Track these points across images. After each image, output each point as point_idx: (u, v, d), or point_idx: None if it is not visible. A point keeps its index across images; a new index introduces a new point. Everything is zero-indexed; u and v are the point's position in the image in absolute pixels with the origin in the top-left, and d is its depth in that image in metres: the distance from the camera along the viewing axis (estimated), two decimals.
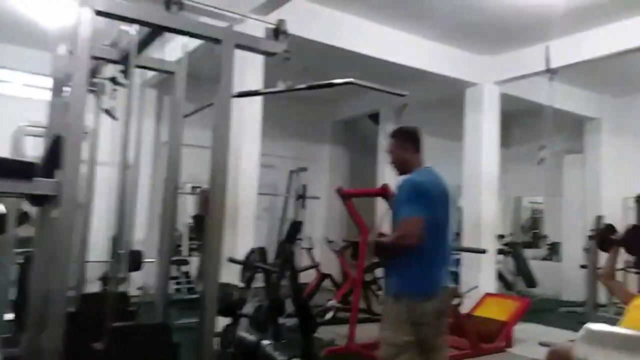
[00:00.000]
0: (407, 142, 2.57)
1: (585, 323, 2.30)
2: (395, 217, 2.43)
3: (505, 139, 9.79)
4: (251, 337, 2.85)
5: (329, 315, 5.39)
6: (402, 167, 2.56)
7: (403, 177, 2.50)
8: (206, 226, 2.19)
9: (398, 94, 2.54)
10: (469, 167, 6.20)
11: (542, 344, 3.62)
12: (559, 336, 5.14)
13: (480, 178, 6.02)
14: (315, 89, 2.50)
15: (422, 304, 2.32)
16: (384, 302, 2.50)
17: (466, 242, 6.00)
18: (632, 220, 6.93)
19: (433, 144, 8.57)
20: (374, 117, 8.59)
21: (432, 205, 2.38)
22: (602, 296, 6.75)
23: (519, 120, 8.69)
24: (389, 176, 7.84)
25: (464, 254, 5.96)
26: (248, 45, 2.43)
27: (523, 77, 6.14)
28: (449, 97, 7.49)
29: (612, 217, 7.40)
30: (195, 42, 3.06)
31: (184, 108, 2.84)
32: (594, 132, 8.00)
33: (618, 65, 6.42)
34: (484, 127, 6.21)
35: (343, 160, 9.07)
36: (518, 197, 10.26)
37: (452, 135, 7.30)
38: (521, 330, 5.01)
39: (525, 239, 10.17)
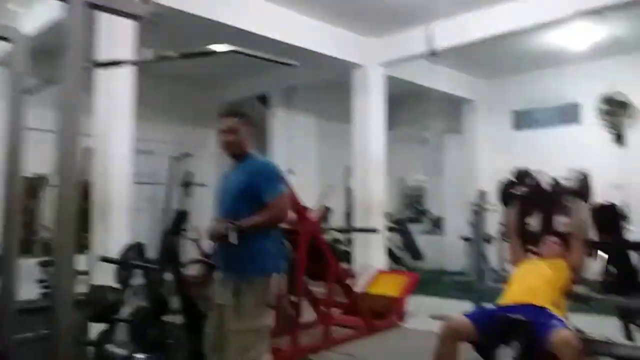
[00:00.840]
0: (250, 125, 2.62)
1: (468, 291, 2.40)
2: (254, 196, 2.45)
3: (391, 121, 10.13)
4: (122, 351, 2.49)
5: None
6: (239, 149, 2.57)
7: (256, 159, 2.61)
8: (57, 223, 1.79)
9: (286, 64, 2.32)
10: (358, 149, 6.24)
11: (433, 317, 3.70)
12: (446, 307, 5.43)
13: (368, 160, 6.09)
14: (191, 58, 2.18)
15: (278, 280, 2.48)
16: (235, 284, 2.43)
17: (358, 221, 6.05)
18: None
19: (324, 126, 8.70)
20: (263, 100, 8.34)
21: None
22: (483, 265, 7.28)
23: (404, 102, 8.99)
24: (280, 161, 7.71)
25: (356, 233, 6.03)
26: (103, 4, 2.02)
27: (407, 59, 6.28)
28: (338, 80, 7.49)
29: (486, 190, 8.05)
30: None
31: (28, 84, 2.35)
32: (470, 113, 8.55)
33: (491, 49, 6.85)
34: (371, 109, 6.27)
35: None
36: (402, 178, 10.72)
37: (342, 118, 7.32)
38: (412, 303, 5.16)
39: (411, 215, 10.72)
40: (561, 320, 2.45)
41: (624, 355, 2.89)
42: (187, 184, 7.20)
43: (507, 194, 3.40)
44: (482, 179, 8.21)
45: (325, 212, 5.68)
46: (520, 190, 3.34)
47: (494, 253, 6.89)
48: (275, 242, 2.55)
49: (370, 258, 5.85)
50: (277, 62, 2.29)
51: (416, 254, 8.45)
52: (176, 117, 7.88)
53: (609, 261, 3.46)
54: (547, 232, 3.32)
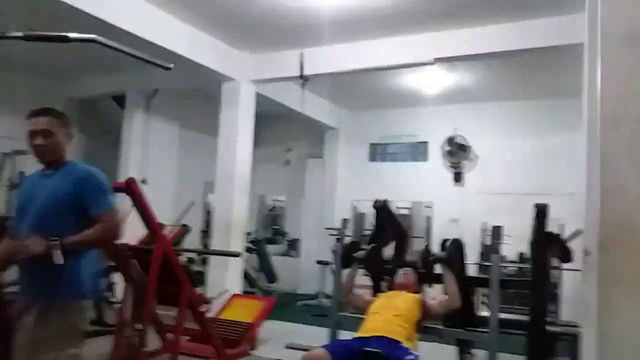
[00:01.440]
0: (68, 127, 2.25)
1: (322, 316, 2.33)
2: (77, 209, 2.13)
3: (255, 139, 10.08)
4: None
5: None
6: (55, 154, 2.20)
7: (79, 166, 2.27)
8: None
9: (162, 66, 2.06)
10: (223, 164, 5.99)
11: (289, 347, 3.62)
12: (300, 333, 5.42)
13: (233, 176, 5.87)
14: (38, 41, 1.81)
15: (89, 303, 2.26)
16: (42, 310, 2.05)
17: (216, 241, 5.77)
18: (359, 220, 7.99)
19: (186, 136, 8.25)
20: (119, 100, 7.62)
21: None
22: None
23: (269, 121, 8.99)
24: (133, 169, 7.10)
25: (213, 260, 5.73)
26: None
27: (278, 79, 6.28)
28: (204, 88, 7.18)
29: (343, 216, 8.36)
30: None
31: None
32: (332, 140, 8.86)
33: (357, 83, 7.22)
34: (239, 124, 6.09)
35: (77, 145, 7.74)
36: (263, 195, 10.67)
37: (206, 130, 7.00)
38: (265, 329, 5.03)
39: (268, 236, 10.68)
40: (414, 354, 2.53)
41: None
42: (16, 186, 6.23)
43: (348, 256, 3.48)
44: (340, 205, 8.57)
45: (182, 230, 5.29)
46: (361, 254, 3.45)
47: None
48: (93, 260, 2.22)
49: (225, 281, 5.59)
50: (151, 62, 2.03)
51: (271, 275, 8.36)
52: (13, 109, 6.76)
53: None
54: (400, 265, 3.49)
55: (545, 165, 7.39)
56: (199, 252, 5.87)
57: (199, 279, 5.76)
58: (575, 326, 4.37)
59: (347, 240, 3.50)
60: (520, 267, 7.37)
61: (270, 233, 10.89)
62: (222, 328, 4.65)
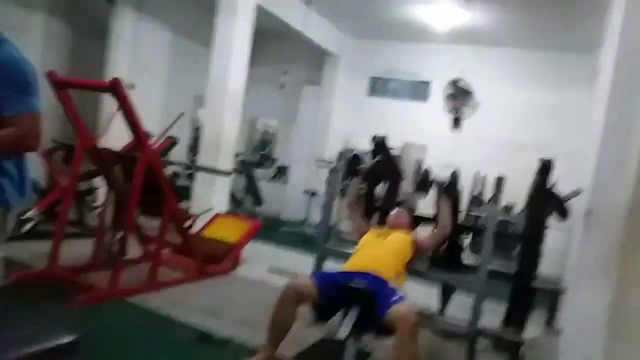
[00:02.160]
0: None
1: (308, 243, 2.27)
2: None
3: (250, 57, 9.61)
4: None
5: (27, 227, 4.38)
6: None
7: (4, 49, 1.78)
8: None
9: None
10: (215, 78, 5.65)
11: (272, 271, 3.58)
12: (283, 257, 5.43)
13: (225, 92, 5.57)
14: None
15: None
16: None
17: (203, 158, 5.58)
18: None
19: (179, 44, 7.79)
20: None
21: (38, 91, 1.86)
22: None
23: (267, 39, 8.52)
24: (121, 71, 6.73)
25: (200, 177, 5.57)
26: None
27: None
28: None
29: (335, 148, 8.21)
30: None
31: None
32: (332, 68, 8.50)
33: (364, 8, 6.79)
34: (235, 36, 5.67)
35: (62, 38, 7.21)
36: (254, 118, 10.39)
37: (201, 39, 6.58)
38: (248, 249, 5.02)
39: (257, 160, 10.53)
40: (400, 295, 2.49)
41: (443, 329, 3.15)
42: None
43: (353, 166, 3.37)
44: (333, 137, 8.38)
45: (170, 142, 5.07)
46: (367, 164, 3.33)
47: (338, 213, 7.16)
48: (17, 165, 1.87)
49: (212, 198, 5.47)
50: None
51: (257, 199, 8.31)
52: None
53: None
54: (395, 204, 3.40)
55: (546, 121, 7.25)
56: (188, 166, 5.69)
57: (184, 193, 5.64)
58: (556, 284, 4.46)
59: (350, 153, 3.40)
60: (505, 220, 7.44)
61: (259, 157, 10.75)
62: (205, 245, 4.59)
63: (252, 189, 8.23)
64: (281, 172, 9.65)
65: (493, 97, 7.54)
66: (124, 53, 6.90)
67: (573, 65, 7.01)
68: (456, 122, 7.61)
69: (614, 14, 3.73)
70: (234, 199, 8.07)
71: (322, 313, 2.56)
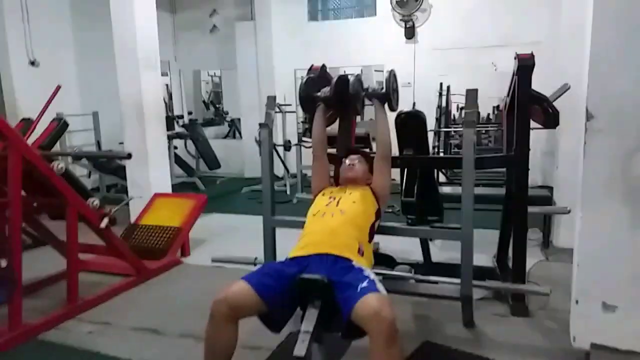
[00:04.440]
0: None
1: None
2: None
3: (171, 3, 8.51)
4: None
5: None
6: None
7: None
8: None
9: None
10: (120, 33, 4.65)
11: (215, 260, 2.92)
12: (242, 229, 4.76)
13: (135, 48, 4.62)
14: None
15: None
16: None
17: (129, 133, 4.73)
18: None
19: (77, 4, 6.65)
20: None
21: None
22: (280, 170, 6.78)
23: None
24: (16, 48, 5.76)
25: (130, 149, 4.73)
26: None
27: None
28: None
29: (285, 89, 7.37)
30: None
31: None
32: None
33: None
34: None
35: None
36: (196, 71, 9.38)
37: None
38: (202, 226, 4.36)
39: (205, 117, 9.64)
40: (369, 277, 1.86)
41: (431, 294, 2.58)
42: None
43: (308, 96, 2.60)
44: (280, 76, 7.51)
45: (57, 126, 4.11)
46: (324, 92, 2.57)
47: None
48: None
49: (149, 178, 4.68)
50: None
51: (212, 161, 7.54)
52: None
53: (409, 178, 3.07)
54: (348, 149, 2.70)
55: (504, 15, 6.47)
56: (75, 156, 4.75)
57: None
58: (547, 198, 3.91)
59: (304, 79, 2.60)
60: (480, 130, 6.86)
61: (206, 114, 9.83)
62: (145, 236, 3.91)
63: (203, 151, 7.44)
64: (234, 127, 8.82)
65: None
66: (14, 25, 5.84)
67: None
68: (409, 31, 6.78)
69: None
70: (185, 168, 7.31)
71: (274, 321, 1.94)
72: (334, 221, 2.13)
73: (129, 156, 3.11)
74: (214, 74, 10.16)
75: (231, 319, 1.81)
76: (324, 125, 2.61)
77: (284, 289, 1.89)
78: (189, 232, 3.97)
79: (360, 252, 2.04)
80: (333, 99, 2.54)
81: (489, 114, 7.33)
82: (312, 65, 2.97)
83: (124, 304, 3.07)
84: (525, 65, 2.46)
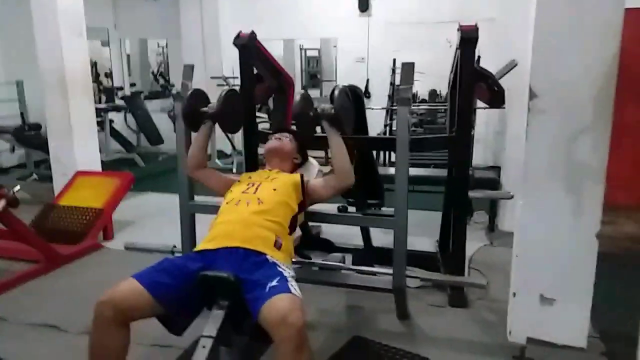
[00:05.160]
0: None
1: None
2: None
3: None
4: None
5: None
6: None
7: None
8: None
9: None
10: None
11: (128, 248, 2.62)
12: (173, 210, 4.40)
13: (55, 9, 4.14)
14: None
15: None
16: None
17: (50, 105, 4.29)
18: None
19: None
20: None
21: None
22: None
23: None
24: None
25: (52, 122, 4.30)
26: None
27: None
28: None
29: (234, 61, 6.96)
30: None
31: None
32: None
33: None
34: None
35: None
36: (142, 40, 8.79)
37: None
38: (133, 207, 4.00)
39: (154, 89, 9.08)
40: (283, 273, 1.63)
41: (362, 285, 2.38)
42: None
43: (194, 111, 2.20)
44: (228, 47, 7.08)
45: None
46: (211, 107, 2.18)
47: None
48: None
49: (75, 155, 4.25)
50: None
51: (153, 136, 7.09)
52: None
53: None
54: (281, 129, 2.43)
55: None
56: None
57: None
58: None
59: (189, 89, 2.23)
60: (431, 107, 6.72)
61: (154, 87, 9.26)
62: (62, 218, 3.55)
63: (145, 126, 6.98)
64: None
65: None
66: None
67: None
68: (363, 4, 6.49)
69: None
70: (125, 143, 6.84)
71: (175, 323, 1.69)
72: (249, 210, 1.87)
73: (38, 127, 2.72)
74: (165, 44, 9.57)
75: (119, 322, 1.55)
76: (206, 146, 2.26)
77: (183, 287, 1.64)
78: (112, 213, 3.63)
79: (278, 245, 1.80)
80: (220, 114, 2.16)
81: (446, 93, 7.20)
82: (239, 32, 2.65)
83: (24, 295, 2.73)
84: (468, 38, 2.25)
